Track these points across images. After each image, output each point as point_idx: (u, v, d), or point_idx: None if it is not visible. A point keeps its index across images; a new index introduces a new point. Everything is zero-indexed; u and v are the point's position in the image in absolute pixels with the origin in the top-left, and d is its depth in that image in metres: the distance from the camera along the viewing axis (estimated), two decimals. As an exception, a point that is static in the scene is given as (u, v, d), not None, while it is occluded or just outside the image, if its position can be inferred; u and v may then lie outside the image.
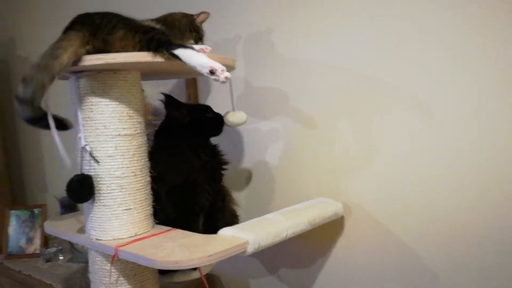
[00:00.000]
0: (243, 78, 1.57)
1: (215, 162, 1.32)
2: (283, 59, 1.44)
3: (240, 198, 1.63)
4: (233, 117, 1.27)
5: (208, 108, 1.35)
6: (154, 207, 1.16)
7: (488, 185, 1.09)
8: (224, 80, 0.91)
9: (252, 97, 1.56)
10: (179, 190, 1.23)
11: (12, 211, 2.12)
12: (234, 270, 1.70)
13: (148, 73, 1.17)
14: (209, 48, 1.11)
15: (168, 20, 1.18)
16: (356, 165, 1.32)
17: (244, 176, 1.61)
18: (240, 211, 1.51)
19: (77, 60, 0.95)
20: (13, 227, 2.09)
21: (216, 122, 1.31)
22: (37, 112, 0.92)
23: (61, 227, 1.22)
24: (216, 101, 1.64)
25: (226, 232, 1.05)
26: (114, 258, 1.01)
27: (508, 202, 1.07)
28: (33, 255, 2.04)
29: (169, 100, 1.31)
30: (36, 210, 2.14)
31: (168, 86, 1.76)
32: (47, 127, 0.96)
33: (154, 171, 1.16)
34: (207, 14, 1.25)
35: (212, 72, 0.91)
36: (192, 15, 1.24)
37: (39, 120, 0.94)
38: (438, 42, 1.13)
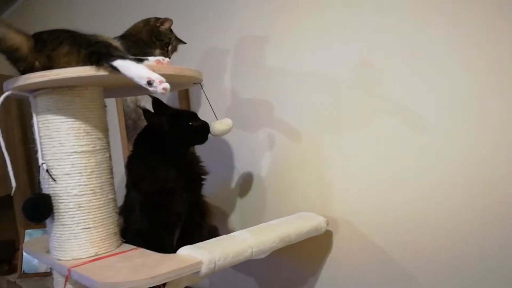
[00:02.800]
0: (231, 90, 1.52)
1: (193, 172, 1.27)
2: (271, 71, 1.38)
3: (229, 211, 1.56)
4: (219, 125, 1.22)
5: (193, 116, 1.28)
6: (127, 219, 1.13)
7: (481, 194, 0.96)
8: (162, 91, 0.87)
9: (239, 109, 1.50)
10: (155, 198, 1.19)
11: (27, 231, 2.18)
12: (227, 286, 1.63)
13: (111, 88, 1.16)
14: (166, 60, 1.07)
15: (132, 33, 1.17)
16: (343, 179, 1.22)
17: (232, 189, 1.55)
18: (229, 227, 1.45)
19: (29, 69, 0.95)
20: (27, 246, 2.15)
21: (199, 131, 1.25)
22: None
23: (34, 247, 1.22)
24: (209, 114, 1.60)
25: (183, 251, 0.99)
26: (67, 280, 0.98)
27: (503, 214, 0.93)
28: (45, 274, 2.08)
29: (154, 103, 1.27)
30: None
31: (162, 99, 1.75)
32: None
33: (129, 179, 1.13)
34: (170, 20, 1.22)
35: (149, 83, 0.87)
36: (154, 22, 1.21)
37: None
38: (428, 51, 1.02)
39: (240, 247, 1.01)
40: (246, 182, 1.52)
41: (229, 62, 1.52)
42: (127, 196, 1.26)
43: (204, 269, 0.93)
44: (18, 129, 2.59)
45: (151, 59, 1.04)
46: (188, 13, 1.60)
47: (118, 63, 0.89)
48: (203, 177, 1.29)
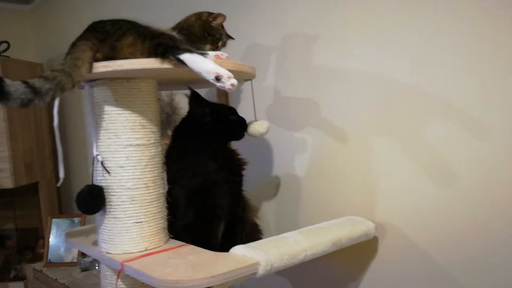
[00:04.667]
0: (273, 87, 1.50)
1: (233, 164, 1.25)
2: (316, 68, 1.36)
3: (267, 211, 1.55)
4: (255, 127, 1.20)
5: (233, 111, 1.28)
6: (172, 215, 1.12)
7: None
8: (230, 87, 0.85)
9: (281, 107, 1.48)
10: (198, 192, 1.18)
11: (54, 220, 2.19)
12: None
13: (165, 82, 1.14)
14: (225, 55, 1.05)
15: (184, 26, 1.15)
16: (392, 183, 1.20)
17: (271, 189, 1.53)
18: (264, 226, 1.43)
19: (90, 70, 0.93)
20: (54, 235, 2.15)
21: (238, 126, 1.24)
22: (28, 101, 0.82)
23: (79, 239, 1.21)
24: (246, 110, 1.58)
25: (237, 250, 0.98)
26: (120, 274, 0.96)
27: None
28: (71, 264, 2.08)
29: (194, 96, 1.26)
30: (76, 219, 2.19)
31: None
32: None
33: (170, 173, 1.12)
34: (223, 16, 1.19)
35: (217, 78, 0.85)
36: (207, 17, 1.19)
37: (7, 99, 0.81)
38: (485, 49, 0.99)
39: (294, 249, 0.99)
40: (284, 181, 1.50)
41: (273, 60, 1.50)
42: (170, 192, 1.24)
43: (261, 271, 0.91)
44: (46, 120, 2.60)
45: (211, 54, 1.02)
46: (233, 7, 1.58)
47: (186, 57, 0.87)
48: (243, 167, 1.27)
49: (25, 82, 0.81)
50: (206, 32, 1.20)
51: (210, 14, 1.23)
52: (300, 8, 1.39)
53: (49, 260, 2.10)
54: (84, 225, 2.14)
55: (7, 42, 2.41)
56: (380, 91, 1.20)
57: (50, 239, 2.14)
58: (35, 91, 0.81)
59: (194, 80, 1.15)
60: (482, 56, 0.99)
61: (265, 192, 1.55)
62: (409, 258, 1.17)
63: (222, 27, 1.27)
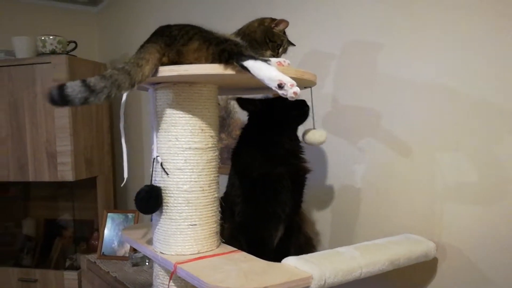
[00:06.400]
0: (332, 95, 1.47)
1: (298, 165, 1.24)
2: (378, 77, 1.31)
3: (321, 223, 1.51)
4: (312, 136, 1.18)
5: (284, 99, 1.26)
6: (230, 212, 1.12)
7: None
8: (292, 95, 0.83)
9: (339, 116, 1.45)
10: (261, 185, 1.17)
11: (109, 214, 2.27)
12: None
13: (225, 87, 1.15)
14: (287, 62, 1.04)
15: (246, 32, 1.15)
16: (458, 202, 1.13)
17: (326, 200, 1.50)
18: (318, 238, 1.40)
19: (154, 72, 0.95)
20: (108, 229, 2.24)
21: (296, 104, 1.21)
22: (84, 99, 0.86)
23: (134, 236, 1.24)
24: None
25: (290, 261, 0.96)
26: (172, 276, 0.97)
27: None
28: (123, 258, 2.15)
29: (240, 100, 1.27)
30: (130, 215, 2.26)
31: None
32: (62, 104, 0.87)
33: (236, 168, 1.16)
34: (286, 22, 1.18)
35: (280, 86, 0.84)
36: (270, 23, 1.18)
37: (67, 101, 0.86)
38: None
39: (349, 265, 0.95)
40: (340, 193, 1.46)
41: (332, 67, 1.46)
42: (228, 192, 1.25)
43: (314, 285, 0.89)
44: (106, 119, 2.71)
45: (273, 61, 1.01)
46: (295, 13, 1.56)
47: (249, 64, 0.87)
48: (308, 172, 1.25)
49: (83, 81, 0.85)
50: (267, 38, 1.19)
51: (273, 20, 1.23)
52: (363, 15, 1.35)
53: (103, 252, 2.18)
54: (137, 221, 2.21)
55: (75, 42, 2.54)
56: (448, 103, 1.14)
57: (104, 232, 2.22)
58: (90, 89, 0.84)
59: (254, 86, 1.15)
60: None
61: (320, 203, 1.51)
62: (470, 282, 1.10)
63: (284, 33, 1.26)
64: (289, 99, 0.85)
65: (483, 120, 1.07)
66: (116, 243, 2.20)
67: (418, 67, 1.21)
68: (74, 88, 0.84)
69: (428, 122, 1.19)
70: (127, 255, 2.14)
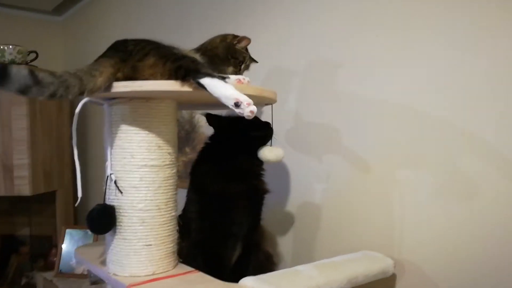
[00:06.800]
0: (294, 111, 1.47)
1: (256, 184, 1.23)
2: (340, 95, 1.33)
3: (281, 240, 1.50)
4: (268, 153, 1.17)
5: (255, 123, 1.24)
6: (187, 230, 1.10)
7: None
8: (249, 114, 0.83)
9: (301, 132, 1.45)
10: (218, 202, 1.16)
11: (68, 230, 2.19)
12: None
13: (184, 102, 1.13)
14: (247, 79, 1.03)
15: (208, 48, 1.14)
16: (415, 218, 1.14)
17: (286, 217, 1.49)
18: (279, 255, 1.39)
19: (107, 87, 0.92)
20: (67, 246, 2.15)
21: (259, 126, 1.22)
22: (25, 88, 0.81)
23: (88, 255, 1.19)
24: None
25: (248, 282, 0.94)
26: (125, 298, 0.94)
27: None
28: (81, 276, 2.07)
29: (209, 116, 1.26)
30: (89, 231, 2.18)
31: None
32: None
33: (193, 183, 1.16)
34: (248, 39, 1.18)
35: (237, 104, 0.83)
36: (232, 39, 1.18)
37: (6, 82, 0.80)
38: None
39: (307, 285, 0.94)
40: (301, 210, 1.45)
41: (295, 84, 1.47)
42: (187, 208, 1.23)
43: (270, 306, 0.87)
44: (68, 128, 2.63)
45: (232, 78, 1.00)
46: (257, 30, 1.57)
47: (206, 81, 0.86)
48: (266, 192, 1.24)
49: (32, 71, 0.81)
50: (229, 55, 1.19)
51: (235, 36, 1.22)
52: (325, 32, 1.37)
53: (60, 270, 2.10)
54: (97, 239, 2.14)
55: (36, 52, 2.46)
56: (406, 122, 1.16)
57: (63, 249, 2.14)
58: (36, 80, 0.81)
59: (214, 103, 1.14)
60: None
61: (280, 220, 1.50)
62: (428, 299, 1.11)
63: (246, 50, 1.26)
64: (246, 117, 0.84)
65: (442, 138, 1.09)
66: (74, 261, 2.11)
67: (378, 85, 1.23)
68: (20, 72, 0.79)
69: (389, 139, 1.21)
70: (85, 272, 2.07)
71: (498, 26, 0.98)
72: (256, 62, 1.31)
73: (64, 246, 2.15)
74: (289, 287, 0.91)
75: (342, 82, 1.33)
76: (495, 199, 0.99)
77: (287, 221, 1.49)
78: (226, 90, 0.84)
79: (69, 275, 2.08)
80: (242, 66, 1.24)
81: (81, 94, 0.87)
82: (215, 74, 0.89)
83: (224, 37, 1.22)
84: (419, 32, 1.13)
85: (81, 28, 2.93)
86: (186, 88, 0.90)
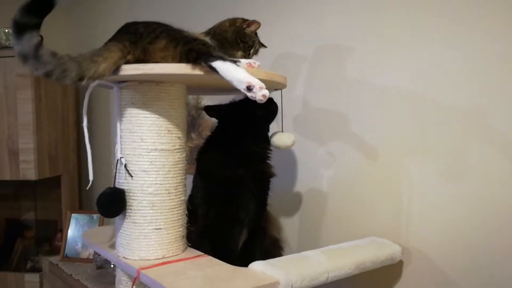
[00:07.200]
0: (302, 98, 1.46)
1: (263, 168, 1.23)
2: (348, 82, 1.32)
3: (288, 226, 1.50)
4: (278, 139, 1.17)
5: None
6: (194, 216, 1.10)
7: None
8: (261, 98, 0.82)
9: (310, 119, 1.45)
10: (224, 188, 1.16)
11: (73, 215, 2.20)
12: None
13: (194, 86, 1.12)
14: (257, 63, 1.02)
15: (217, 32, 1.13)
16: (422, 206, 1.14)
17: (293, 203, 1.49)
18: (285, 241, 1.39)
19: (116, 70, 0.91)
20: (72, 230, 2.16)
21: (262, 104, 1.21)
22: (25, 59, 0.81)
23: (96, 239, 1.19)
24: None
25: (257, 266, 0.94)
26: (135, 281, 0.94)
27: None
28: (87, 260, 2.08)
29: (207, 108, 1.26)
30: (95, 216, 2.20)
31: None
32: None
33: (199, 169, 1.15)
34: (258, 23, 1.16)
35: (249, 88, 0.82)
36: (241, 23, 1.16)
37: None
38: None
39: (316, 270, 0.95)
40: (308, 196, 1.45)
41: (304, 69, 1.46)
42: (193, 194, 1.23)
43: (280, 290, 0.88)
44: (73, 113, 2.62)
45: (243, 62, 0.99)
46: (268, 15, 1.55)
47: (218, 64, 0.85)
48: (272, 176, 1.24)
49: (38, 45, 0.80)
50: (239, 39, 1.17)
51: (244, 20, 1.21)
52: (336, 19, 1.35)
53: (66, 254, 2.11)
54: (102, 223, 2.14)
55: (41, 36, 2.44)
56: (416, 110, 1.15)
57: (68, 234, 2.15)
58: (36, 53, 0.80)
59: (224, 87, 1.13)
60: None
61: (287, 206, 1.51)
62: (435, 285, 1.12)
63: (256, 34, 1.24)
64: (258, 101, 0.83)
65: (450, 126, 1.08)
66: (80, 245, 2.13)
67: (388, 73, 1.22)
68: (31, 39, 0.79)
69: (396, 128, 1.20)
70: (91, 257, 2.08)
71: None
72: (265, 47, 1.29)
73: (69, 231, 2.16)
74: (298, 272, 0.92)
75: (351, 69, 1.31)
76: (503, 186, 0.99)
77: (293, 207, 1.49)
78: (238, 73, 0.84)
79: (75, 259, 2.09)
80: (251, 51, 1.22)
81: (80, 80, 0.85)
82: (227, 57, 0.88)
83: (233, 21, 1.20)
84: (430, 19, 1.11)
85: (86, 12, 2.90)
86: (197, 71, 0.89)
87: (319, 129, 1.42)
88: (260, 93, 0.82)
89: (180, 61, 0.90)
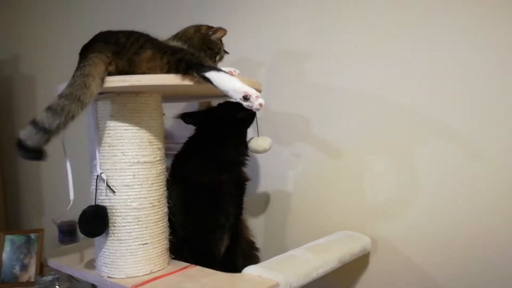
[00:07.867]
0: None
1: (239, 173, 1.24)
2: (308, 85, 1.37)
3: (257, 226, 1.53)
4: (256, 143, 1.19)
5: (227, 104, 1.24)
6: (173, 225, 1.09)
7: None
8: (258, 107, 0.84)
9: (272, 122, 1.48)
10: (204, 193, 1.15)
11: (7, 236, 2.00)
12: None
13: (168, 95, 1.10)
14: (237, 71, 1.04)
15: (182, 39, 1.11)
16: (385, 199, 1.24)
17: (260, 205, 1.52)
18: (256, 241, 1.41)
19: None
20: (7, 253, 1.96)
21: (240, 106, 1.21)
22: (46, 143, 0.81)
23: (66, 261, 1.12)
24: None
25: (252, 271, 0.96)
26: (130, 300, 0.91)
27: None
28: (28, 283, 1.91)
29: (182, 116, 1.24)
30: (32, 235, 2.01)
31: (180, 107, 1.69)
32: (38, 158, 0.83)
33: (178, 175, 1.13)
34: (224, 31, 1.17)
35: (245, 98, 0.84)
36: (206, 30, 1.16)
37: (39, 151, 0.82)
38: (480, 73, 1.07)
39: (307, 268, 0.99)
40: (277, 197, 1.49)
41: (263, 74, 1.49)
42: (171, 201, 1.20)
43: (280, 292, 0.91)
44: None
45: (225, 70, 1.00)
46: (225, 20, 1.55)
47: (211, 75, 0.85)
48: (247, 181, 1.26)
49: (34, 124, 0.78)
50: (205, 46, 1.17)
51: (209, 27, 1.21)
52: (293, 23, 1.40)
53: (2, 279, 1.91)
54: (42, 241, 1.98)
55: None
56: (375, 110, 1.25)
57: (3, 257, 1.95)
58: (46, 131, 0.79)
59: (199, 95, 1.13)
60: (481, 79, 1.07)
61: (254, 209, 1.53)
62: (400, 271, 1.22)
63: (221, 41, 1.25)
64: (254, 110, 0.85)
65: (408, 124, 1.19)
66: (18, 268, 1.94)
67: (347, 75, 1.30)
68: (30, 136, 0.78)
69: (358, 127, 1.29)
70: (32, 279, 1.91)
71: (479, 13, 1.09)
72: (227, 53, 1.31)
73: (4, 254, 1.96)
74: (292, 271, 0.95)
75: (310, 73, 1.38)
76: (458, 177, 1.11)
77: (259, 208, 1.52)
78: (233, 83, 0.85)
79: (14, 284, 1.91)
80: (217, 58, 1.23)
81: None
82: (219, 67, 0.88)
83: (198, 28, 1.20)
84: (387, 22, 1.21)
85: (9, 13, 2.63)
86: (187, 82, 0.88)
87: (281, 131, 1.46)
88: (257, 102, 0.84)
89: (168, 71, 0.89)
